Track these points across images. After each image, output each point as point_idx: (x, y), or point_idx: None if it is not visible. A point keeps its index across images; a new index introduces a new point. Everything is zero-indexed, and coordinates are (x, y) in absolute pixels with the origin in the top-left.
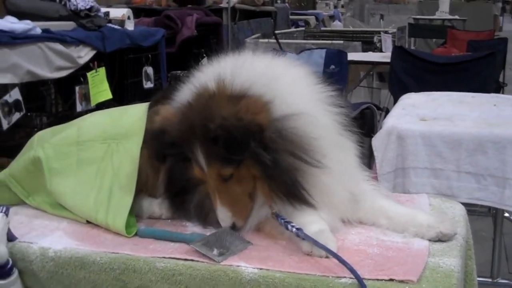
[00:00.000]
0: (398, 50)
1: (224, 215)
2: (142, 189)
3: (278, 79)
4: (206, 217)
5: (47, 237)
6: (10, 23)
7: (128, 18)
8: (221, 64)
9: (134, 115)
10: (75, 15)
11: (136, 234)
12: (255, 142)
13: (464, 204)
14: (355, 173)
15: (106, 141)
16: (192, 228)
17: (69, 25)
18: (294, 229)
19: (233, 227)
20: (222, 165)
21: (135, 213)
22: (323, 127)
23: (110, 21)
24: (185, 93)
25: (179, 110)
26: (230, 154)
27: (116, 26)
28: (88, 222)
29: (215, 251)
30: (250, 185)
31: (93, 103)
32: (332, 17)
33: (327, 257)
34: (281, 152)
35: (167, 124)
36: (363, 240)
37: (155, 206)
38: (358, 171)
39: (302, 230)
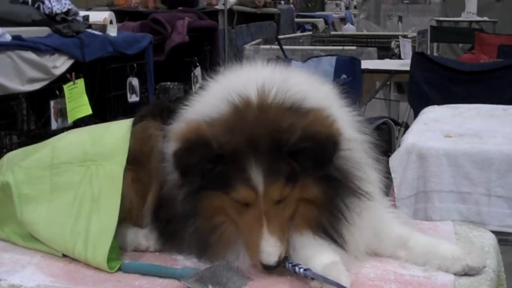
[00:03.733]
0: (418, 57)
1: (272, 248)
2: (126, 217)
3: (327, 97)
4: (207, 249)
5: (18, 273)
6: None
7: (111, 22)
8: (246, 75)
9: (117, 133)
10: (50, 19)
11: (119, 269)
12: (336, 157)
13: (495, 232)
14: (378, 208)
15: (84, 163)
16: (183, 262)
17: (43, 31)
18: (301, 270)
19: (276, 265)
20: (284, 184)
21: (118, 245)
22: (364, 152)
23: (90, 26)
24: (207, 105)
25: (217, 122)
26: (316, 168)
27: (96, 32)
28: (64, 255)
29: None
30: (292, 211)
31: (70, 119)
32: (343, 20)
33: None
34: (342, 175)
35: (211, 136)
36: (379, 275)
37: (141, 237)
38: (380, 203)
39: (310, 270)
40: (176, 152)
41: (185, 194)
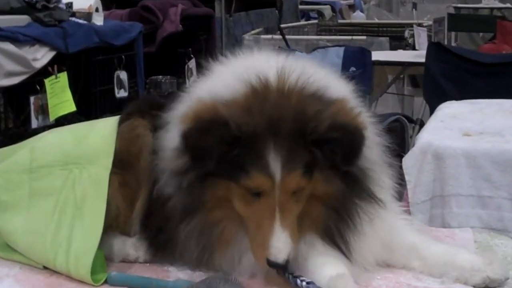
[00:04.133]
0: (434, 48)
1: (283, 244)
2: (112, 225)
3: (347, 89)
4: (204, 249)
5: None
6: None
7: (96, 10)
8: (264, 59)
9: (102, 133)
10: (29, 7)
11: (105, 282)
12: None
13: None
14: (389, 216)
15: (66, 167)
16: (176, 274)
17: (22, 19)
18: (304, 283)
19: (285, 266)
20: (302, 172)
21: (105, 255)
22: (377, 158)
23: (73, 14)
24: (220, 84)
25: (233, 102)
26: (344, 161)
27: (81, 21)
28: (45, 267)
29: None
30: (302, 205)
31: (52, 117)
32: (352, 7)
33: None
34: (363, 174)
35: (229, 116)
36: (391, 287)
37: (130, 246)
38: (391, 210)
39: (313, 284)
40: (188, 133)
41: (189, 182)
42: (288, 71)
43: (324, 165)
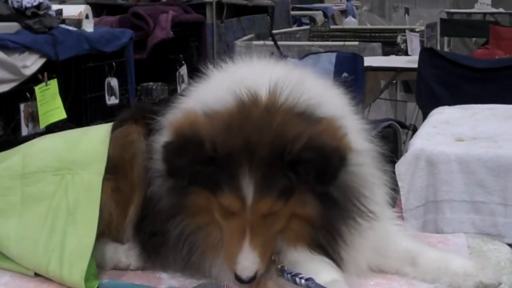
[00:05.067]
0: (427, 53)
1: (250, 262)
2: (105, 231)
3: (340, 104)
4: (196, 256)
5: None
6: None
7: (86, 17)
8: (256, 69)
9: (95, 139)
10: (19, 14)
11: None
12: (342, 173)
13: None
14: (381, 222)
15: (59, 172)
16: (168, 281)
17: (11, 26)
18: (303, 281)
19: (253, 279)
20: (275, 199)
21: (96, 263)
22: (373, 166)
23: (63, 21)
24: (211, 94)
25: (217, 117)
26: (317, 181)
27: (71, 28)
28: (37, 275)
29: None
30: (282, 226)
31: (42, 124)
32: (344, 12)
33: None
34: (345, 194)
35: (206, 134)
36: None
37: (122, 253)
38: (384, 216)
39: (312, 280)
40: (167, 147)
41: (170, 187)
42: (281, 87)
43: (302, 189)
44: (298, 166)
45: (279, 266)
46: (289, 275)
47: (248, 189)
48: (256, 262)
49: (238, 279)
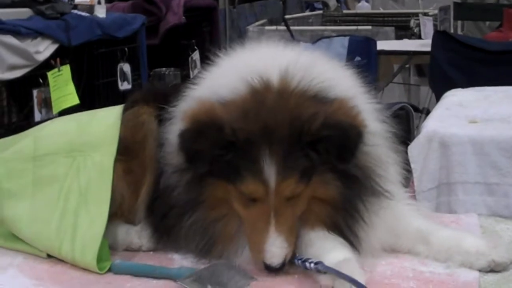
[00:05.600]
0: (440, 36)
1: (278, 249)
2: (117, 212)
3: (351, 86)
4: (207, 243)
5: None
6: None
7: (99, 2)
8: (266, 55)
9: (106, 120)
10: (31, 0)
11: (109, 270)
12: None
13: None
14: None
15: (70, 154)
16: (180, 262)
17: (24, 12)
18: (312, 265)
19: (280, 268)
20: (298, 180)
21: (108, 244)
22: (386, 147)
23: (75, 6)
24: (223, 83)
25: (232, 104)
26: (339, 159)
27: (83, 13)
28: (49, 256)
29: None
30: (303, 208)
31: (55, 110)
32: None
33: None
34: (363, 173)
35: (225, 120)
36: (396, 272)
37: (134, 234)
38: (397, 195)
39: (322, 263)
40: (184, 134)
41: (188, 181)
42: (292, 72)
43: (322, 169)
44: (317, 144)
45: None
46: (299, 261)
47: (270, 172)
48: (285, 247)
49: (268, 267)
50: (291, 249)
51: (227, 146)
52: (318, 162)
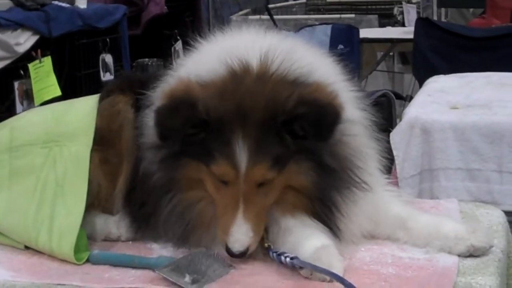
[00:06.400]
0: (423, 23)
1: (242, 236)
2: (94, 202)
3: (332, 72)
4: (188, 235)
5: None
6: None
7: None
8: (249, 39)
9: (82, 110)
10: None
11: (87, 261)
12: (337, 128)
13: (508, 212)
14: (377, 189)
15: (47, 145)
16: (159, 251)
17: (3, 4)
18: (288, 259)
19: (245, 253)
20: (270, 165)
21: (87, 234)
22: (366, 136)
23: None
24: (203, 65)
25: (210, 84)
26: (316, 135)
27: (63, 4)
28: (26, 247)
29: (188, 278)
30: (276, 196)
31: (37, 102)
32: None
33: (330, 280)
34: (340, 164)
35: (200, 98)
36: (375, 258)
37: (112, 224)
38: (377, 182)
39: (297, 258)
40: (159, 110)
41: (162, 158)
42: (272, 56)
43: (298, 158)
44: (293, 124)
45: (266, 245)
46: (274, 254)
47: (242, 155)
48: (249, 236)
49: (229, 252)
50: (256, 238)
51: (200, 125)
52: (293, 150)
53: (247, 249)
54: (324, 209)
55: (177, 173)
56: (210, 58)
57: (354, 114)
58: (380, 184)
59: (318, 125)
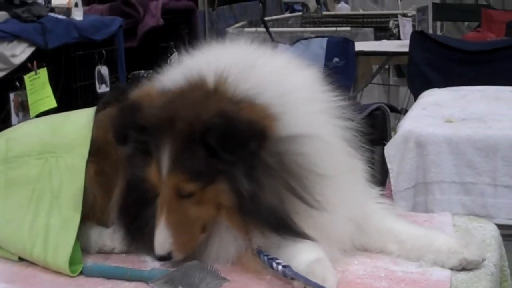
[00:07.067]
0: (418, 37)
1: (162, 239)
2: (89, 214)
3: (291, 91)
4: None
5: None
6: None
7: (76, 5)
8: (224, 54)
9: (78, 122)
10: (7, 3)
11: (81, 273)
12: (253, 146)
13: (502, 226)
14: (362, 199)
15: (42, 156)
16: (152, 264)
17: (0, 16)
18: (280, 267)
19: (167, 258)
20: (187, 177)
21: (81, 246)
22: (330, 152)
23: (52, 9)
24: (171, 77)
25: (165, 94)
26: (221, 149)
27: (60, 16)
28: (21, 259)
29: None
30: (209, 214)
31: (32, 113)
32: None
33: None
34: (274, 182)
35: (147, 103)
36: (368, 272)
37: (106, 236)
38: (366, 194)
39: (290, 268)
40: (116, 111)
41: (127, 155)
42: (227, 74)
43: (224, 176)
44: (208, 135)
45: (255, 247)
46: (265, 257)
47: (164, 161)
48: (168, 242)
49: (155, 254)
50: (179, 247)
51: (142, 129)
52: (221, 167)
53: (169, 254)
54: (277, 225)
55: (142, 172)
56: (182, 70)
57: (321, 129)
58: (371, 197)
59: (226, 138)
